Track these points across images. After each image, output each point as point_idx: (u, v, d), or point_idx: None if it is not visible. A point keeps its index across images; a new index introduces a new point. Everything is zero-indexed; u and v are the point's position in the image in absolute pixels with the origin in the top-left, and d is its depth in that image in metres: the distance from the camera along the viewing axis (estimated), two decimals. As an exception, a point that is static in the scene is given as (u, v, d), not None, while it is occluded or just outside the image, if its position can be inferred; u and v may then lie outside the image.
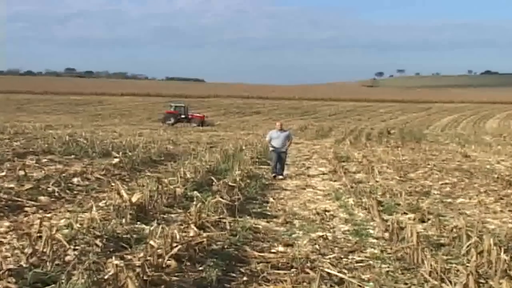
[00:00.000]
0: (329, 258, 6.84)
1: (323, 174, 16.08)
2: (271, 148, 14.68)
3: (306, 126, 45.15)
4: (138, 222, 8.05)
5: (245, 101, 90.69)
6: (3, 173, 11.48)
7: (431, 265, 6.09)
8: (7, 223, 7.70)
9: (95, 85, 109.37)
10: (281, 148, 14.45)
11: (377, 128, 45.64)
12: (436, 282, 5.85)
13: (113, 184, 10.91)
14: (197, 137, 30.27)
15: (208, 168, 14.29)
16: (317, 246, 7.40)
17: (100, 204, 9.13)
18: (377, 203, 9.68)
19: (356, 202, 10.82)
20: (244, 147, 21.05)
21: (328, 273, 6.04)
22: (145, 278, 5.33)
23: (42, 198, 9.55)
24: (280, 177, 14.23)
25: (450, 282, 5.75)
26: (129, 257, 6.25)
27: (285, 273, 6.14)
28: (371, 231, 8.50)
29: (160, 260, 5.83)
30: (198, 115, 47.02)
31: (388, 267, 6.59)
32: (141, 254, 6.05)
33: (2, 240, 6.84)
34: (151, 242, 6.09)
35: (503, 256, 6.10)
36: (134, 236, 7.17)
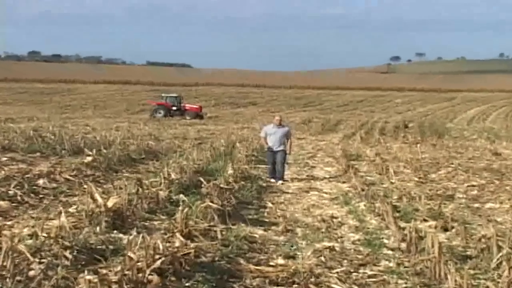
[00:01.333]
0: (337, 273, 6.84)
1: (330, 174, 16.11)
2: (266, 147, 14.38)
3: (310, 119, 45.24)
4: (115, 231, 8.04)
5: (239, 90, 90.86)
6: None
7: (455, 280, 6.10)
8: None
9: (64, 71, 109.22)
10: (278, 146, 14.06)
11: (392, 121, 45.77)
12: (461, 300, 5.88)
13: (85, 186, 10.87)
14: (183, 131, 30.30)
15: (196, 167, 14.29)
16: (322, 259, 7.41)
17: (70, 209, 9.12)
18: (392, 208, 9.70)
19: (368, 207, 10.85)
20: (238, 143, 21.07)
21: (336, 290, 6.06)
22: (122, 295, 5.33)
23: (1, 203, 9.53)
24: (280, 182, 13.87)
25: (477, 300, 5.78)
26: (104, 271, 6.24)
27: (285, 290, 6.16)
28: (386, 241, 8.52)
29: (140, 274, 5.82)
30: (193, 106, 47.00)
31: (406, 283, 6.61)
32: (118, 268, 6.04)
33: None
34: (130, 254, 6.08)
35: (538, 270, 6.12)
36: (110, 247, 7.16)
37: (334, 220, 9.94)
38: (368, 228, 9.38)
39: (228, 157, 16.87)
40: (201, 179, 11.81)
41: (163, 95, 49.90)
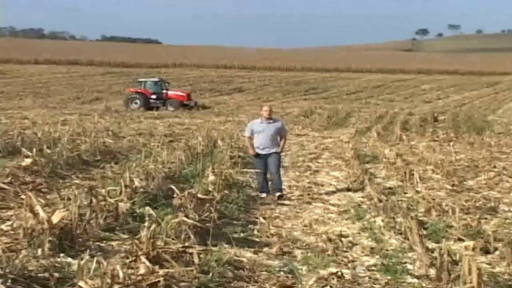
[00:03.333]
0: (347, 307, 6.87)
1: (338, 181, 16.13)
2: (252, 153, 13.74)
3: (313, 109, 45.28)
4: (62, 254, 8.02)
5: (222, 72, 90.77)
6: None
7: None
8: None
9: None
10: (270, 148, 13.50)
11: (418, 113, 45.88)
12: None
13: (23, 197, 10.84)
14: (150, 126, 30.25)
15: (166, 172, 14.26)
16: (329, 289, 7.45)
17: (3, 227, 9.09)
18: (418, 224, 9.73)
19: (386, 223, 10.89)
20: (220, 141, 21.07)
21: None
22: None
23: None
24: (278, 194, 13.36)
25: None
26: (47, 306, 6.24)
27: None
28: (409, 267, 8.56)
29: (94, 310, 5.82)
30: (177, 93, 46.66)
31: (435, 320, 6.65)
32: (66, 302, 6.04)
33: None
34: (81, 284, 6.08)
35: None
36: (56, 274, 7.14)
37: (344, 239, 9.96)
38: (387, 250, 9.42)
39: (207, 159, 16.85)
40: (173, 187, 11.77)
41: (140, 79, 49.62)
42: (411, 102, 60.44)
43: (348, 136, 28.97)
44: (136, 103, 44.38)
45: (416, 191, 14.14)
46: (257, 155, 13.63)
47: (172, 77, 76.37)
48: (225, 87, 70.61)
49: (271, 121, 13.70)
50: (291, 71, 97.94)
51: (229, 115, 40.14)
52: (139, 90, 45.83)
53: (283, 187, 13.91)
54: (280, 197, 13.31)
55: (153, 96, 44.86)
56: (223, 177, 13.83)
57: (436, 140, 27.72)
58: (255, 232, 10.35)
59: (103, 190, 10.70)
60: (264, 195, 13.49)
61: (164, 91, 45.61)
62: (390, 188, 14.89)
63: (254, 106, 48.39)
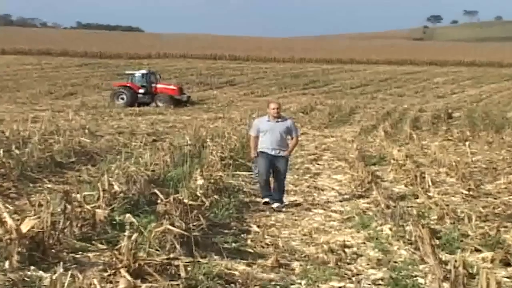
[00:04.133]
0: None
1: (341, 185, 16.14)
2: (258, 149, 13.41)
3: (313, 105, 45.29)
4: (32, 267, 8.01)
5: (211, 64, 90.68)
6: None
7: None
8: None
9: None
10: (278, 150, 13.31)
11: (430, 109, 45.94)
12: None
13: (-12, 203, 10.83)
14: (131, 123, 30.21)
15: (149, 175, 14.25)
16: (331, 305, 7.46)
17: (-33, 236, 9.07)
18: (430, 233, 9.73)
19: (395, 232, 10.90)
20: (209, 141, 21.06)
21: None
22: None
23: None
24: (276, 205, 13.17)
25: None
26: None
27: None
28: (421, 280, 8.58)
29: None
30: (167, 86, 46.31)
31: None
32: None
33: None
34: (54, 300, 6.06)
35: None
36: (25, 289, 7.14)
37: (347, 250, 9.98)
38: (396, 262, 9.44)
39: (195, 161, 16.84)
40: (157, 192, 11.74)
41: (127, 72, 49.37)
42: (422, 97, 60.40)
43: (352, 135, 28.96)
44: (122, 98, 44.02)
45: (428, 196, 14.13)
46: (263, 155, 13.32)
47: (156, 69, 76.32)
48: (215, 80, 70.41)
49: (279, 119, 13.49)
50: (289, 63, 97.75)
51: (219, 112, 40.07)
52: (126, 84, 45.56)
53: (284, 204, 13.45)
54: (278, 209, 13.05)
55: (141, 91, 44.53)
56: (212, 181, 13.84)
57: (450, 140, 27.72)
58: (249, 242, 10.36)
59: (79, 196, 10.68)
60: (268, 200, 13.27)
61: (153, 84, 45.23)
62: (399, 193, 14.92)
63: (247, 102, 48.40)
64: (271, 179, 13.54)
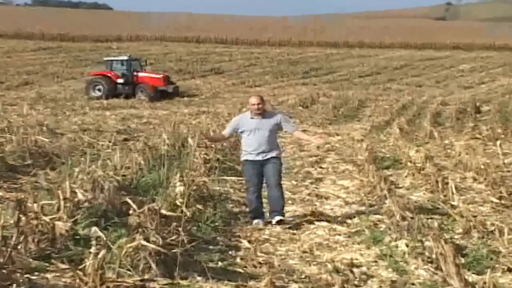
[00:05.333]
0: None
1: (348, 192, 16.16)
2: (243, 157, 13.17)
3: (314, 97, 45.29)
4: (-21, 290, 8.01)
5: (194, 48, 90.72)
6: None
7: None
8: None
9: None
10: (267, 153, 12.92)
11: (454, 102, 45.90)
12: None
13: None
14: (98, 118, 30.14)
15: (119, 181, 14.23)
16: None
17: None
18: (454, 250, 9.76)
19: (412, 249, 10.91)
20: (191, 140, 21.03)
21: None
22: None
23: None
24: (277, 219, 12.74)
25: None
26: None
27: None
28: (443, 305, 8.59)
29: None
30: (151, 75, 46.25)
31: None
32: None
33: None
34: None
35: None
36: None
37: (355, 270, 9.99)
38: (413, 284, 9.45)
39: (174, 164, 16.82)
40: (129, 200, 11.76)
41: (105, 58, 49.39)
42: (445, 88, 60.47)
43: (362, 132, 28.93)
44: (99, 89, 44.10)
45: (452, 205, 14.14)
46: (247, 162, 12.96)
47: (127, 54, 76.38)
48: (198, 67, 70.42)
49: (265, 115, 13.07)
50: (285, 47, 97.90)
51: (202, 105, 40.08)
52: (104, 73, 45.58)
53: (284, 219, 12.98)
54: (280, 222, 12.71)
55: (120, 80, 44.52)
56: (195, 188, 13.82)
57: (478, 138, 27.66)
58: (238, 260, 10.37)
59: (35, 205, 10.65)
60: (258, 221, 12.84)
61: (136, 73, 45.17)
62: (417, 201, 14.91)
63: (236, 93, 48.39)
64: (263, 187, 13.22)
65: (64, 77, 57.56)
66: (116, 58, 47.80)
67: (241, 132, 13.06)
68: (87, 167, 14.88)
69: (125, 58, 47.33)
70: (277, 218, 12.69)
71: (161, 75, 46.79)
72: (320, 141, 14.58)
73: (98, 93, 43.70)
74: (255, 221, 12.83)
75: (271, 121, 13.01)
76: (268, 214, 12.99)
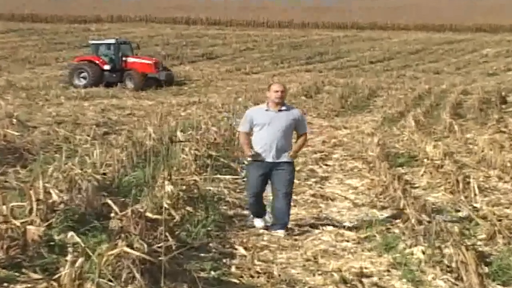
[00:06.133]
0: None
1: (357, 193, 16.17)
2: (249, 154, 12.75)
3: (319, 86, 45.35)
4: None
5: (184, 30, 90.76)
6: None
7: None
8: None
9: None
10: (279, 153, 12.63)
11: (477, 91, 45.89)
12: None
13: None
14: (75, 110, 30.11)
15: (99, 180, 14.24)
16: None
17: None
18: (477, 257, 9.77)
19: (429, 256, 10.92)
20: (180, 133, 21.05)
21: None
22: None
23: None
24: (280, 232, 12.55)
25: None
26: None
27: None
28: (464, 321, 8.61)
29: None
30: (141, 60, 46.04)
31: None
32: None
33: None
34: None
35: None
36: None
37: (365, 280, 10.01)
38: (431, 296, 9.46)
39: (161, 161, 16.82)
40: (110, 202, 11.77)
41: (91, 42, 49.36)
42: (466, 75, 60.54)
43: (372, 125, 28.96)
44: (84, 77, 44.08)
45: (474, 207, 14.18)
46: (256, 161, 12.68)
47: (107, 37, 76.38)
48: (187, 52, 70.48)
49: (283, 108, 12.78)
50: (286, 28, 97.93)
51: (193, 95, 40.10)
52: (89, 58, 45.53)
53: (286, 230, 12.82)
54: (285, 234, 12.55)
55: (106, 67, 44.44)
56: (184, 188, 13.83)
57: (504, 132, 27.66)
58: (233, 269, 10.36)
59: (4, 207, 10.67)
60: (258, 222, 12.83)
61: (124, 59, 45.10)
62: (434, 203, 14.95)
63: (231, 81, 48.36)
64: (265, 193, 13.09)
65: (37, 63, 57.63)
66: (102, 42, 47.71)
67: (254, 126, 12.77)
68: (63, 164, 14.91)
69: (112, 41, 47.17)
70: (280, 231, 12.56)
71: (152, 61, 46.61)
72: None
73: (84, 81, 43.69)
74: (256, 221, 12.87)
75: (289, 116, 12.78)
76: (271, 225, 12.83)
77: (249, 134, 12.77)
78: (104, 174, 15.14)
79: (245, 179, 13.58)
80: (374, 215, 13.90)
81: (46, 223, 10.71)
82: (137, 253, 9.10)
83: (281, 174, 12.61)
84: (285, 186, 12.64)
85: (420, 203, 14.22)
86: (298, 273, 10.37)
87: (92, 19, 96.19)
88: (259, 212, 12.97)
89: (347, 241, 12.23)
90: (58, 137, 21.33)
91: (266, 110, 12.73)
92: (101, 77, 44.18)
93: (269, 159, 12.54)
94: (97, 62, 44.90)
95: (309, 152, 21.75)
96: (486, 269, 10.06)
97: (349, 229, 12.97)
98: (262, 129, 12.62)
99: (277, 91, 12.58)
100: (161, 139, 20.16)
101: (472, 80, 55.76)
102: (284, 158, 12.60)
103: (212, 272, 10.06)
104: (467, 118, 32.82)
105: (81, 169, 14.32)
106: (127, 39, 52.91)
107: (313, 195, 15.81)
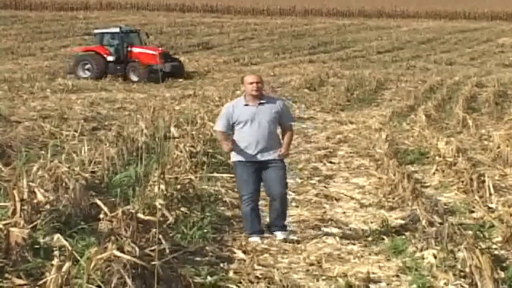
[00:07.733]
0: None
1: (363, 192, 16.18)
2: (234, 158, 12.55)
3: (323, 78, 45.29)
4: None
5: (179, 18, 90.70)
6: None
7: None
8: None
9: None
10: (267, 151, 12.37)
11: (493, 84, 45.87)
12: None
13: None
14: (62, 103, 30.09)
15: (88, 179, 14.25)
16: None
17: None
18: (492, 262, 9.78)
19: (441, 260, 10.93)
20: (174, 130, 21.06)
21: None
22: None
23: None
24: (280, 236, 12.47)
25: None
26: None
27: None
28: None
29: None
30: (147, 51, 45.79)
31: None
32: None
33: None
34: None
35: None
36: None
37: (373, 286, 10.06)
38: (443, 304, 9.47)
39: (154, 159, 16.83)
40: (99, 202, 11.78)
41: (95, 31, 49.28)
42: (481, 66, 60.46)
43: (380, 120, 28.88)
44: (88, 69, 44.03)
45: (489, 208, 14.17)
46: (241, 164, 12.40)
47: (96, 25, 76.41)
48: (182, 41, 70.47)
49: (263, 101, 12.47)
50: (288, 16, 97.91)
51: (188, 87, 40.07)
52: (94, 48, 45.44)
53: (288, 233, 12.72)
54: (285, 240, 12.40)
55: (110, 58, 44.31)
56: (178, 187, 13.84)
57: (521, 127, 27.73)
58: (231, 274, 10.38)
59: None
60: (255, 239, 12.37)
61: (129, 49, 44.94)
62: (447, 204, 14.95)
63: (228, 73, 48.32)
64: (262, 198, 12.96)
65: (20, 53, 57.60)
66: (107, 31, 47.56)
67: (233, 124, 12.42)
68: (49, 162, 14.92)
69: (117, 30, 46.85)
70: (279, 235, 12.44)
71: (158, 51, 45.90)
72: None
73: (88, 74, 43.68)
74: (252, 239, 12.35)
75: (272, 109, 12.46)
76: (270, 229, 12.67)
77: (224, 134, 12.44)
78: (93, 172, 15.16)
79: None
80: (382, 216, 13.85)
81: (31, 225, 10.69)
82: (128, 257, 9.11)
83: (272, 174, 12.38)
84: (279, 186, 12.41)
85: (432, 204, 14.25)
86: (300, 279, 10.40)
87: (80, 6, 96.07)
88: (257, 226, 12.51)
89: (353, 244, 12.23)
90: (44, 133, 21.34)
91: (246, 105, 12.42)
92: (106, 68, 44.28)
93: (256, 158, 12.32)
94: (101, 52, 44.90)
95: (313, 148, 21.79)
96: (502, 274, 10.05)
97: (355, 231, 13.00)
98: (245, 126, 12.34)
99: (251, 83, 12.31)
100: (154, 135, 20.16)
101: (487, 72, 55.61)
102: (273, 155, 12.35)
103: (209, 278, 10.08)
104: (481, 112, 32.76)
105: (68, 167, 14.35)
106: (135, 27, 52.59)
107: (316, 195, 15.81)
